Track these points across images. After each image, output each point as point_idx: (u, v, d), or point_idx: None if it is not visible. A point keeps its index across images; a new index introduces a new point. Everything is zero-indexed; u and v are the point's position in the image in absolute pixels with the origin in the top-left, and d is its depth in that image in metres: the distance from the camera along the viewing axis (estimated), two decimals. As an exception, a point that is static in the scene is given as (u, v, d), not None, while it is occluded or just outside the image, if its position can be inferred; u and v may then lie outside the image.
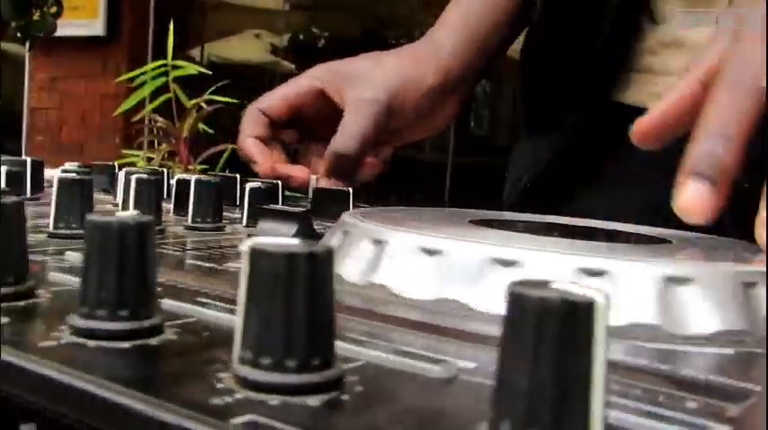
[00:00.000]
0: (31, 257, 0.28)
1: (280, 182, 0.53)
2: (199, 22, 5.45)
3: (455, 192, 4.28)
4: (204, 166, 2.14)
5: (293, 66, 5.26)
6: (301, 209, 0.34)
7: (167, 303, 0.22)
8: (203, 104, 2.05)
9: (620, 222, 0.62)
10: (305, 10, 5.51)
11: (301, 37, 5.37)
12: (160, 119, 2.07)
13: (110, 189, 0.55)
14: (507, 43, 0.71)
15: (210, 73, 2.07)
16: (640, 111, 0.63)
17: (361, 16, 5.43)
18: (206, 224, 0.37)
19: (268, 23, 5.39)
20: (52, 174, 0.72)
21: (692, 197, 0.32)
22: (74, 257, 0.29)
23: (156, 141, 2.19)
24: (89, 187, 0.32)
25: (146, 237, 0.20)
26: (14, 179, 0.43)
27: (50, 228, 0.32)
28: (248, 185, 0.40)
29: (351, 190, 0.46)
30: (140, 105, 2.04)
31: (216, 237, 0.37)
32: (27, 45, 3.50)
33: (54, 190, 0.31)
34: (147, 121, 2.14)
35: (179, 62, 2.05)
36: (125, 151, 2.40)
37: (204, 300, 0.23)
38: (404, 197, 4.52)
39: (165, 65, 2.05)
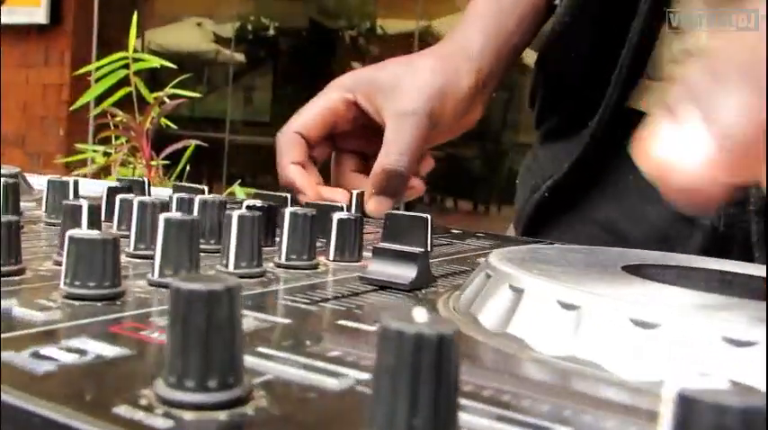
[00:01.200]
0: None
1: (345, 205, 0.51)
2: (141, 8, 5.32)
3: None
4: (166, 162, 2.10)
5: (236, 55, 5.18)
6: (418, 249, 0.32)
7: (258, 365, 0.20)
8: (166, 98, 2.01)
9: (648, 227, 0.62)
10: (252, -1, 5.42)
11: (249, 27, 5.29)
12: (120, 113, 2.02)
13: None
14: (533, 36, 0.69)
15: (177, 67, 2.02)
16: None
17: (308, 5, 5.37)
18: (301, 262, 0.35)
19: (211, 11, 5.30)
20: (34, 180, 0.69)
21: None
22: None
23: (113, 136, 2.14)
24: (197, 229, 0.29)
25: (236, 303, 0.18)
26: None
27: (155, 276, 0.30)
28: (336, 216, 0.38)
29: (429, 216, 0.45)
30: (104, 99, 1.97)
31: (319, 279, 0.34)
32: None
33: (160, 233, 0.29)
34: (92, 115, 2.07)
35: (142, 55, 2.00)
36: (80, 145, 2.33)
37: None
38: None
39: (125, 58, 2.00)
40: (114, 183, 0.48)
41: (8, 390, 0.17)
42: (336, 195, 0.60)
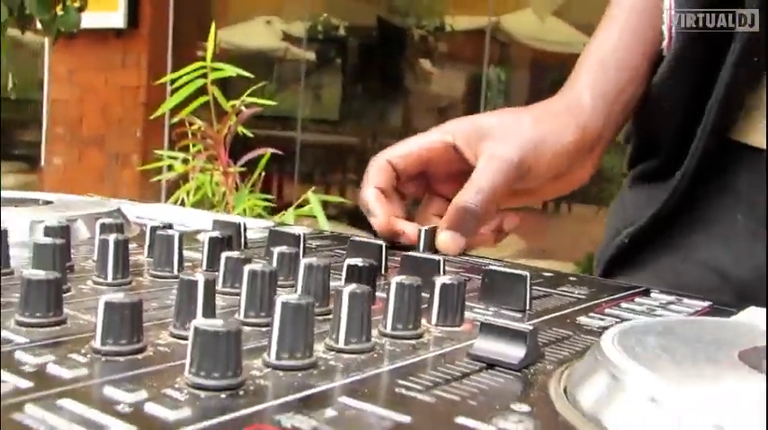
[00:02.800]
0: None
1: (383, 244, 0.51)
2: (214, 9, 5.41)
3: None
4: (242, 169, 2.13)
5: (306, 53, 5.23)
6: (527, 327, 0.32)
7: None
8: (243, 107, 2.04)
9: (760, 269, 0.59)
10: (322, -2, 5.47)
11: (319, 27, 5.34)
12: (198, 121, 2.06)
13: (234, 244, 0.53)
14: (640, 100, 0.68)
15: (252, 76, 2.05)
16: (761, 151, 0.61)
17: (377, 3, 5.39)
18: (407, 332, 0.35)
19: (281, 10, 5.36)
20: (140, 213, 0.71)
21: None
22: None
23: (191, 144, 2.18)
24: (274, 278, 0.30)
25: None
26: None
27: (271, 358, 0.30)
28: (439, 281, 0.38)
29: (442, 259, 0.45)
30: (183, 107, 2.02)
31: (426, 353, 0.34)
32: (50, 40, 3.48)
33: (277, 315, 0.30)
34: (168, 117, 2.12)
35: (218, 64, 2.03)
36: (161, 152, 2.39)
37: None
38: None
39: (203, 67, 2.04)
40: (213, 233, 0.49)
41: None
42: (407, 227, 0.60)
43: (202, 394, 0.27)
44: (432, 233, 0.60)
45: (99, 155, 4.64)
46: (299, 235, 0.52)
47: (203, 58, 2.04)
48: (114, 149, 4.49)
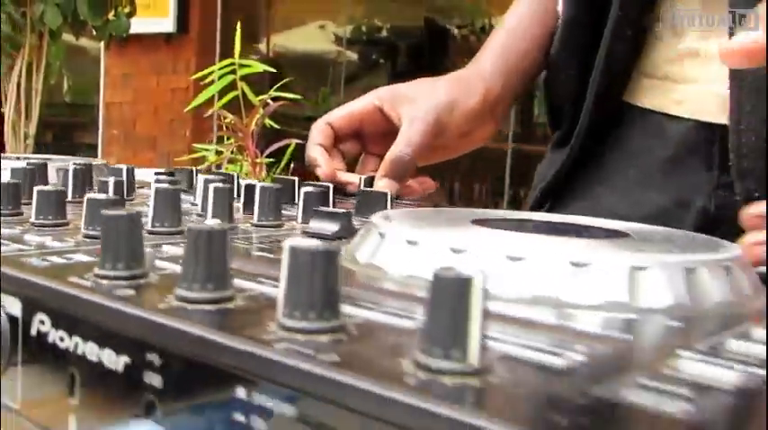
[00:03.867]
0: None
1: (332, 186, 0.61)
2: (264, 14, 5.58)
3: (516, 179, 4.31)
4: (270, 160, 2.25)
5: (356, 56, 5.34)
6: (345, 210, 0.42)
7: (238, 281, 0.30)
8: (269, 101, 2.16)
9: (640, 222, 0.68)
10: (366, 1, 5.57)
11: (366, 29, 5.45)
12: (229, 115, 2.18)
13: (189, 189, 0.64)
14: (540, 68, 0.78)
15: (275, 71, 2.16)
16: (662, 114, 0.69)
17: (423, 5, 5.47)
18: (268, 222, 0.46)
19: (332, 14, 5.48)
20: (141, 175, 0.82)
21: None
22: (169, 249, 0.37)
23: (224, 136, 2.31)
24: (178, 196, 0.40)
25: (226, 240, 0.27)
26: (118, 186, 0.51)
27: (149, 227, 0.40)
28: (303, 190, 0.49)
29: (389, 192, 0.55)
30: (212, 102, 2.15)
31: (276, 233, 0.45)
32: (103, 44, 3.64)
33: (152, 196, 0.40)
34: (215, 117, 2.25)
35: (246, 61, 2.14)
36: (196, 145, 2.52)
37: (262, 280, 0.31)
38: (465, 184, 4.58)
39: (232, 64, 2.16)
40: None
41: None
42: (351, 178, 0.70)
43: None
44: (370, 180, 0.70)
45: (152, 154, 4.82)
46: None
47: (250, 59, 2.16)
48: (165, 149, 4.67)
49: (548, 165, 0.78)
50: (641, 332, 0.28)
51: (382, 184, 0.69)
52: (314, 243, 0.24)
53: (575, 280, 0.30)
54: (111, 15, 3.63)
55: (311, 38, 5.57)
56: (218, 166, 2.27)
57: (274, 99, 2.15)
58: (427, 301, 0.20)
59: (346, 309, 0.26)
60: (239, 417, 0.21)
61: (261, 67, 2.20)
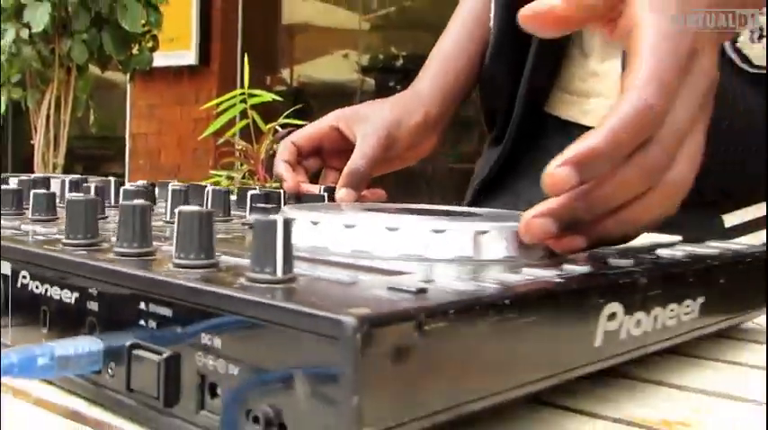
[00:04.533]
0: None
1: (282, 189, 0.72)
2: (287, 45, 5.76)
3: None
4: (278, 183, 2.37)
5: (368, 81, 5.48)
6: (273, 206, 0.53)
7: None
8: (278, 128, 2.28)
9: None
10: (384, 30, 5.72)
11: (380, 56, 5.59)
12: (241, 142, 2.31)
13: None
14: (478, 76, 0.89)
15: (281, 99, 2.29)
16: (575, 125, 0.80)
17: (436, 34, 5.58)
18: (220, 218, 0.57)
19: (353, 44, 5.62)
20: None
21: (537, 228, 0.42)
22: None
23: (238, 163, 2.44)
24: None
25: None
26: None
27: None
28: (250, 192, 0.60)
29: (326, 195, 0.65)
30: (227, 130, 2.29)
31: (227, 226, 0.55)
32: (128, 76, 3.80)
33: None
34: (232, 145, 2.38)
35: (255, 91, 2.28)
36: (212, 172, 2.66)
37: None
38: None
39: (243, 93, 2.30)
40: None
41: None
42: (313, 189, 0.81)
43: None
44: (330, 189, 0.80)
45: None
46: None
47: (268, 90, 2.30)
48: (189, 177, 4.82)
49: (483, 162, 0.90)
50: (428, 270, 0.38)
51: (341, 194, 0.79)
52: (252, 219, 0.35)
53: (433, 241, 0.40)
54: (135, 50, 3.82)
55: (334, 67, 5.71)
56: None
57: (283, 126, 2.28)
58: (252, 237, 0.31)
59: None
60: (146, 324, 0.32)
61: (269, 97, 2.34)
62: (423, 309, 0.27)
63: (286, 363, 0.27)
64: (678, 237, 0.56)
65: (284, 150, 0.83)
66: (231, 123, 2.29)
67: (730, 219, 0.69)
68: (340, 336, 0.25)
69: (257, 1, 5.12)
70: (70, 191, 0.65)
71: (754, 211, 0.69)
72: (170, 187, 0.58)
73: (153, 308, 0.32)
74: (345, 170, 0.81)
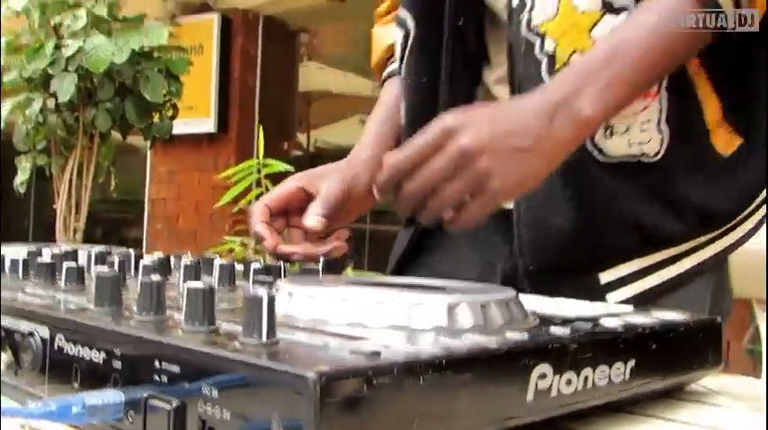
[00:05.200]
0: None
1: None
2: (304, 111, 5.92)
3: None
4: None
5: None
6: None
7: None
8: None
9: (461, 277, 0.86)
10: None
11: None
12: (254, 209, 2.41)
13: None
14: None
15: (293, 169, 2.39)
16: None
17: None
18: (226, 288, 0.65)
19: (367, 109, 5.75)
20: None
21: None
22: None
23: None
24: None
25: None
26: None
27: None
28: (252, 266, 0.68)
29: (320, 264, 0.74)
30: (241, 197, 2.39)
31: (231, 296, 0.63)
32: (148, 144, 3.94)
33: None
34: (246, 212, 2.48)
35: (269, 161, 2.39)
36: (226, 238, 2.75)
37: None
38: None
39: (258, 163, 2.40)
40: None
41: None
42: (291, 249, 0.89)
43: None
44: (328, 263, 0.88)
45: (193, 247, 5.08)
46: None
47: (286, 155, 2.40)
48: (205, 243, 4.92)
49: (399, 240, 1.02)
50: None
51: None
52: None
53: (413, 311, 0.48)
54: (155, 118, 3.95)
55: (350, 131, 5.84)
56: (244, 258, 2.49)
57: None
58: (243, 309, 0.39)
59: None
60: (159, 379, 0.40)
61: (282, 167, 2.45)
62: (372, 367, 0.35)
63: (266, 412, 0.34)
64: (629, 307, 0.64)
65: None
66: (248, 190, 2.39)
67: (605, 277, 0.81)
68: (303, 389, 0.32)
69: (274, 70, 5.29)
70: (96, 263, 0.74)
71: (626, 268, 0.81)
72: (183, 261, 0.66)
73: (165, 366, 0.40)
74: (316, 202, 0.89)
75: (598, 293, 0.81)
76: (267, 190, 2.37)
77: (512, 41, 0.81)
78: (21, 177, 3.86)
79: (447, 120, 0.67)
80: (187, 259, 0.69)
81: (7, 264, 0.70)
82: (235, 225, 2.43)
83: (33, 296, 0.55)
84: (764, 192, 0.85)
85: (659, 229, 0.81)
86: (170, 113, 3.97)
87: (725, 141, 0.81)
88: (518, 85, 0.81)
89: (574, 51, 0.76)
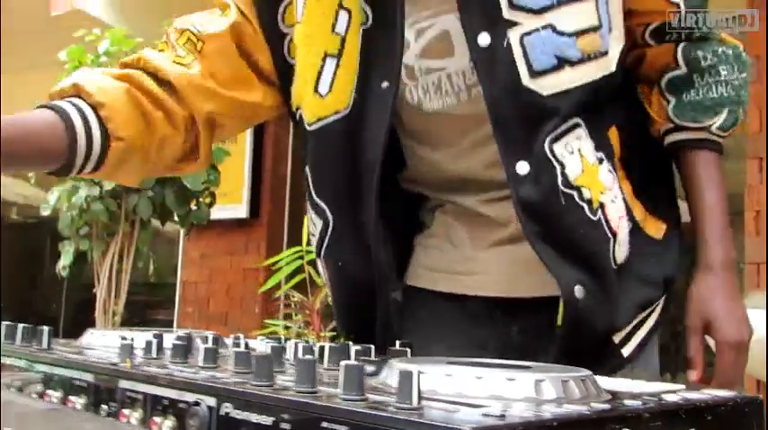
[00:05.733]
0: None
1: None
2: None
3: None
4: (333, 333, 2.55)
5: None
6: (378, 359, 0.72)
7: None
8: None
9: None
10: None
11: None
12: (297, 294, 2.53)
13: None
14: None
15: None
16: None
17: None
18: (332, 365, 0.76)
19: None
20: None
21: None
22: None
23: (292, 313, 2.65)
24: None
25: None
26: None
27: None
28: (353, 347, 0.79)
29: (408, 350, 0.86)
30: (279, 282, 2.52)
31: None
32: (184, 230, 4.06)
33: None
34: (283, 297, 2.60)
35: (312, 248, 2.50)
36: (267, 321, 2.86)
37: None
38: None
39: (300, 250, 2.53)
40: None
41: None
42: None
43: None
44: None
45: (223, 330, 5.17)
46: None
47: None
48: (236, 325, 5.03)
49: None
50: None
51: None
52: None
53: (507, 385, 0.59)
54: (193, 205, 4.12)
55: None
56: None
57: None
58: (398, 381, 0.50)
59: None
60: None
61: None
62: (507, 426, 0.46)
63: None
64: (682, 386, 0.74)
65: None
66: (291, 276, 2.52)
67: (617, 338, 1.03)
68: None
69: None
70: (216, 345, 0.85)
71: (629, 327, 1.05)
72: (294, 344, 0.78)
73: (332, 426, 0.51)
74: None
75: (614, 349, 1.03)
76: (310, 276, 2.49)
77: (545, 199, 0.95)
78: (63, 261, 4.04)
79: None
80: (295, 342, 0.81)
81: (140, 345, 0.81)
82: (267, 307, 2.53)
83: (189, 372, 0.66)
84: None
85: (647, 298, 1.06)
86: (208, 201, 4.16)
87: (654, 228, 1.07)
88: (566, 235, 0.96)
89: (601, 193, 0.97)
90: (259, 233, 5.16)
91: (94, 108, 0.97)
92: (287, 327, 2.58)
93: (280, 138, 5.28)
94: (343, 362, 0.53)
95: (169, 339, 0.84)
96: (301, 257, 2.50)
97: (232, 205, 5.12)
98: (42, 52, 4.15)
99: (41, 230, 8.37)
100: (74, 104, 0.96)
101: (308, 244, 2.56)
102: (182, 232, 5.25)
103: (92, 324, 4.11)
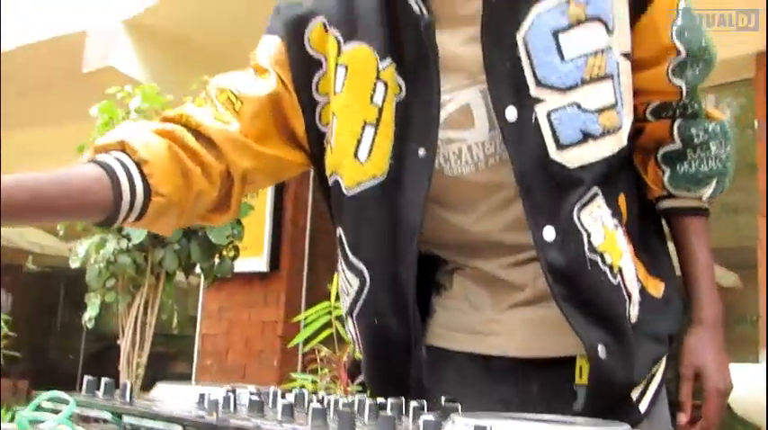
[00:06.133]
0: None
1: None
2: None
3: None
4: (360, 388, 2.60)
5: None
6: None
7: None
8: (359, 336, 2.56)
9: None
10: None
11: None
12: (324, 349, 2.59)
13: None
14: None
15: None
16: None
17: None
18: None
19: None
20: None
21: None
22: None
23: (318, 367, 2.70)
24: None
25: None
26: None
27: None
28: (412, 403, 0.86)
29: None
30: (313, 337, 2.59)
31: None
32: (206, 283, 4.12)
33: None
34: (301, 349, 2.66)
35: (339, 304, 2.57)
36: (294, 375, 2.92)
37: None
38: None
39: (329, 306, 2.60)
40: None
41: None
42: None
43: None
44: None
45: (241, 382, 5.21)
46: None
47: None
48: (254, 378, 5.06)
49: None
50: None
51: None
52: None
53: None
54: (216, 258, 4.20)
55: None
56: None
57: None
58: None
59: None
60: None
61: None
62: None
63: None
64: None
65: None
66: (319, 331, 2.58)
67: (634, 394, 1.11)
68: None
69: (324, 216, 5.56)
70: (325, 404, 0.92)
71: (644, 382, 1.12)
72: (340, 402, 0.85)
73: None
74: None
75: (633, 405, 1.10)
76: (337, 331, 2.55)
77: (572, 264, 1.04)
78: (90, 313, 4.11)
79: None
80: (343, 398, 0.88)
81: (215, 400, 0.88)
82: (308, 364, 2.59)
83: (270, 425, 0.74)
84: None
85: (658, 354, 1.14)
86: (231, 254, 4.24)
87: (654, 288, 1.14)
88: (591, 298, 1.04)
89: (620, 257, 1.06)
90: (279, 286, 5.22)
91: (138, 164, 1.04)
92: (314, 382, 2.63)
93: (300, 192, 5.38)
94: (422, 417, 0.61)
95: (244, 395, 0.91)
96: (329, 313, 2.57)
97: (252, 258, 5.20)
98: (73, 107, 4.28)
99: (56, 280, 8.48)
100: (119, 160, 1.03)
101: (337, 300, 2.64)
102: (201, 284, 5.33)
103: (110, 375, 4.14)
